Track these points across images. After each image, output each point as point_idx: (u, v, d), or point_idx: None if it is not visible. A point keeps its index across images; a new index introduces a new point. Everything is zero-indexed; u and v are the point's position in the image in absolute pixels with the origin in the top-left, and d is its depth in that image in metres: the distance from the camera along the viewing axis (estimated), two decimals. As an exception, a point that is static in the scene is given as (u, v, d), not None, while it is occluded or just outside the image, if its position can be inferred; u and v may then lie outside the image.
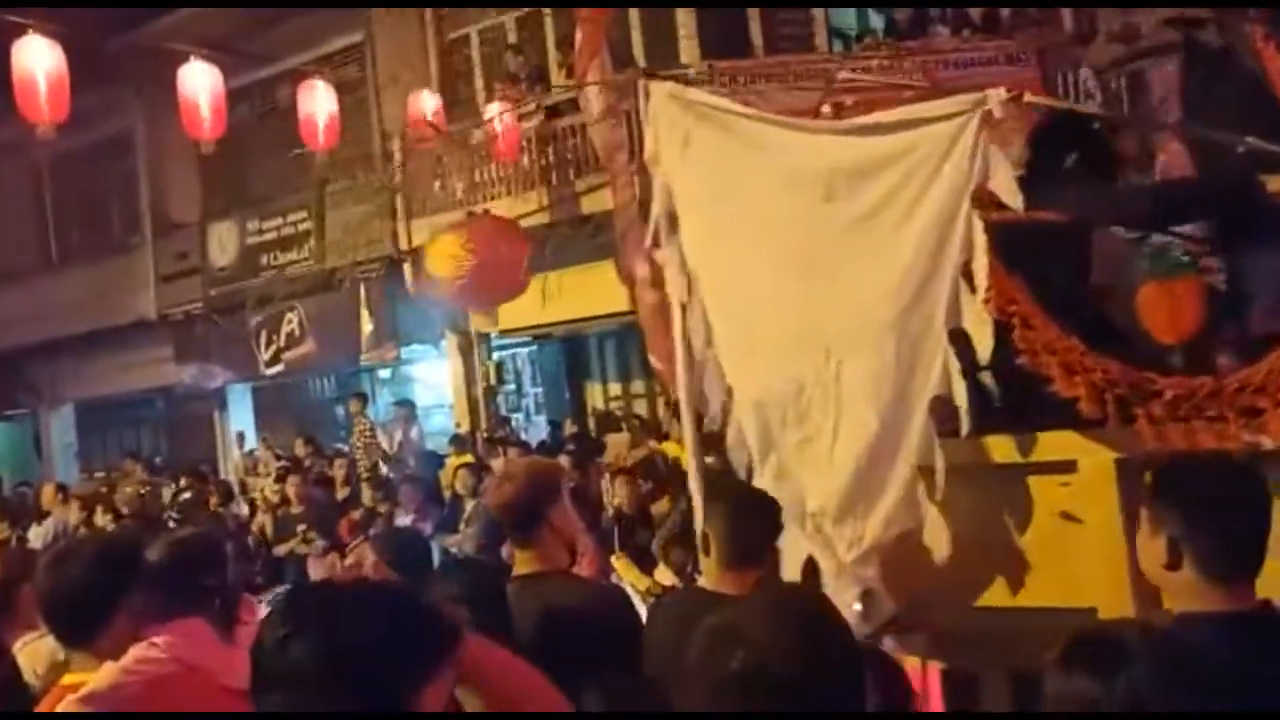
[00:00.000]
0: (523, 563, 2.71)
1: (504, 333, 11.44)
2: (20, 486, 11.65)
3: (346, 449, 11.17)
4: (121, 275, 13.79)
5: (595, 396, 12.05)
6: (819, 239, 2.97)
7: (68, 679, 2.38)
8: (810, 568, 3.08)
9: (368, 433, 10.93)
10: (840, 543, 2.96)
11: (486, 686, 1.54)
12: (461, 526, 7.87)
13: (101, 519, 8.77)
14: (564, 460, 7.97)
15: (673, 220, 3.34)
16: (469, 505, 7.95)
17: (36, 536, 9.19)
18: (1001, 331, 2.68)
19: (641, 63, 9.97)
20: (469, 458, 9.33)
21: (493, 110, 9.62)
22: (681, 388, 3.43)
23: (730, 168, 3.18)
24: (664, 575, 5.75)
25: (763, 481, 3.11)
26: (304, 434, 11.39)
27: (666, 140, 3.30)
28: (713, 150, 3.20)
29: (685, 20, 9.73)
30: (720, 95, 3.65)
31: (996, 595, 2.86)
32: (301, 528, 8.83)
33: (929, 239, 2.76)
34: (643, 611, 5.14)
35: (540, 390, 12.45)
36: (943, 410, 2.78)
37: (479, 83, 11.18)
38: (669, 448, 7.88)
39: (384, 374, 13.67)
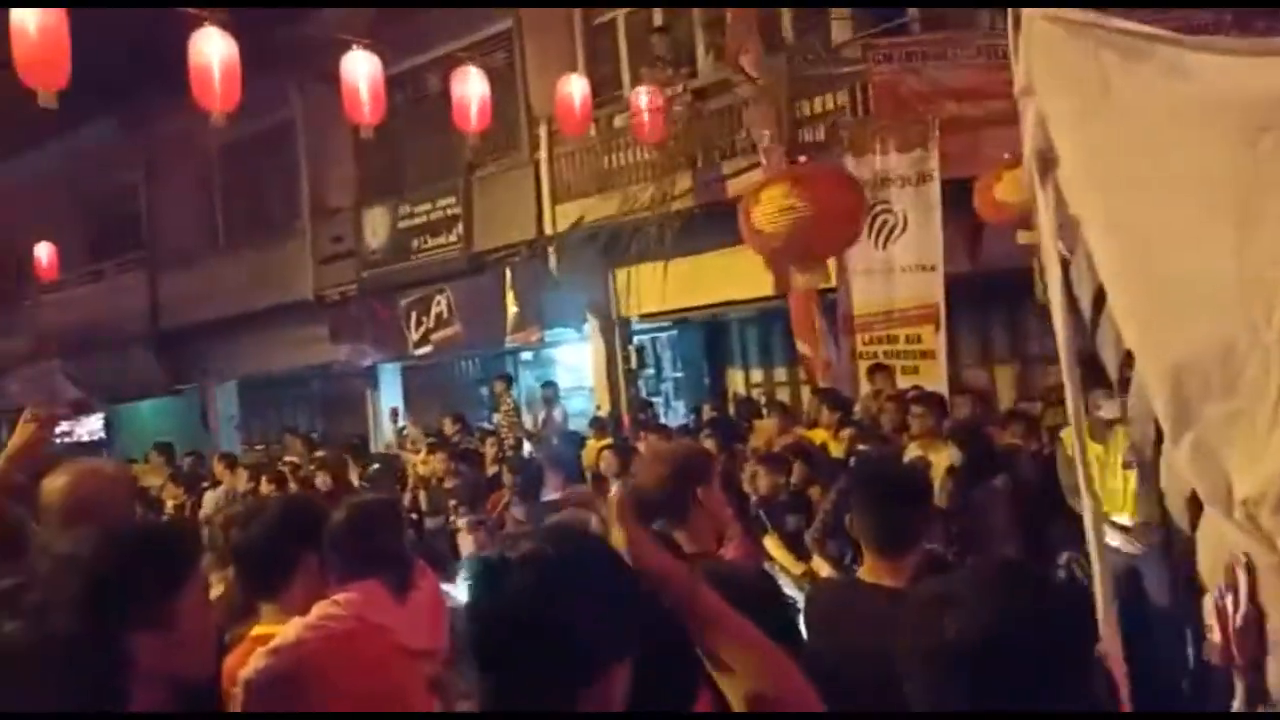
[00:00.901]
0: None
1: (645, 317, 11.48)
2: (188, 456, 12.33)
3: (492, 427, 11.43)
4: (282, 258, 14.41)
5: (736, 382, 11.97)
6: (1258, 176, 2.52)
7: (257, 631, 2.50)
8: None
9: (512, 413, 11.15)
10: None
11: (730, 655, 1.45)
12: (606, 507, 7.93)
13: (266, 487, 9.20)
14: (708, 444, 7.96)
15: (1048, 161, 2.88)
16: (613, 486, 8.00)
17: (209, 503, 9.73)
18: None
19: (790, 41, 9.82)
20: (609, 440, 9.40)
21: (639, 94, 9.64)
22: (1063, 350, 2.98)
23: (1134, 98, 2.73)
24: (820, 566, 5.65)
25: (1177, 461, 2.72)
26: (451, 413, 11.69)
27: (1045, 69, 2.86)
28: (1109, 78, 2.74)
29: (840, -4, 9.51)
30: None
31: None
32: (452, 502, 9.07)
33: None
34: (797, 598, 5.10)
35: (680, 375, 12.46)
36: None
37: (625, 66, 11.18)
38: (816, 434, 7.75)
39: (526, 356, 13.91)
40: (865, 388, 8.51)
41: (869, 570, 2.71)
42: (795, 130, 9.27)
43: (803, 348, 8.94)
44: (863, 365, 8.69)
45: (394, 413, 12.50)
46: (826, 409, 7.55)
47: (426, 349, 12.70)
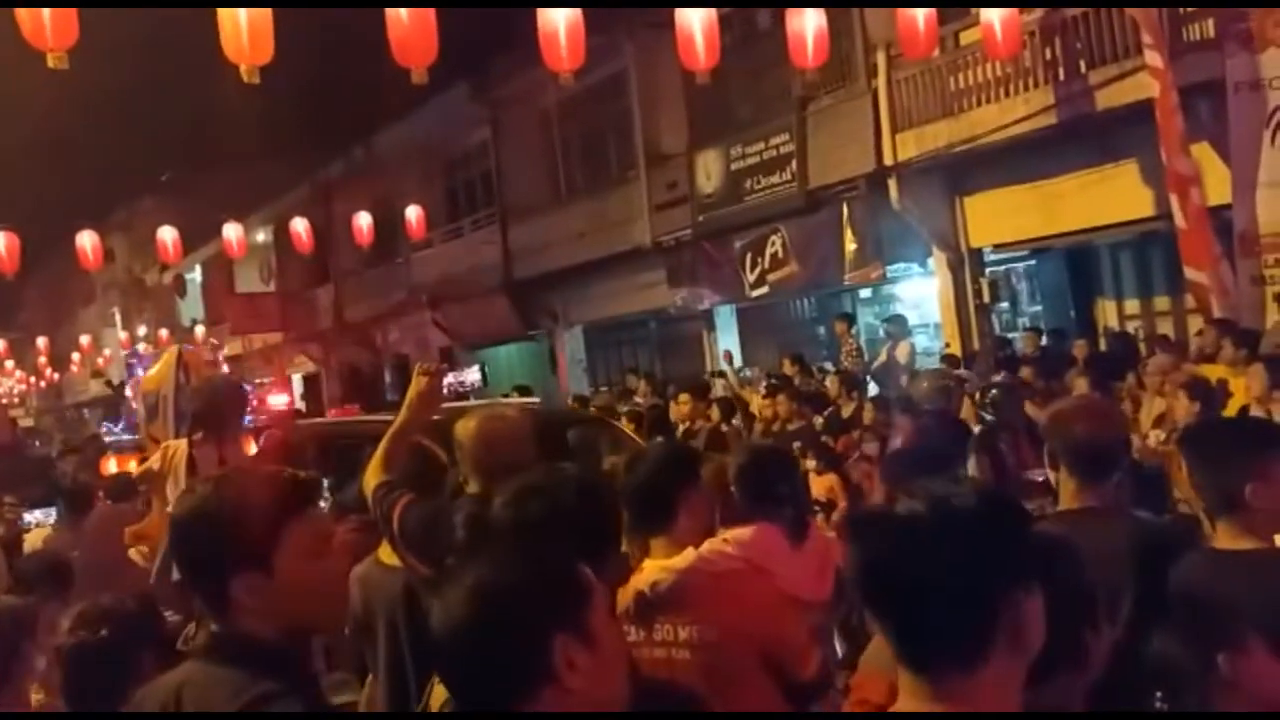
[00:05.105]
0: (1068, 499, 2.60)
1: (998, 247, 10.76)
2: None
3: (830, 368, 11.21)
4: (620, 206, 14.91)
5: (1107, 314, 10.96)
6: None
7: (648, 564, 2.69)
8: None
9: (854, 353, 10.90)
10: None
11: None
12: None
13: (626, 426, 9.59)
14: (1081, 383, 7.34)
15: None
16: (975, 429, 7.58)
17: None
18: None
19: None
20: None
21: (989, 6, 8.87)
22: None
23: None
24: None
25: None
26: (789, 353, 11.61)
27: None
28: None
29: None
30: None
31: None
32: (796, 444, 8.99)
33: None
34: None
35: (1039, 308, 11.59)
36: None
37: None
38: (1212, 371, 6.89)
39: (864, 294, 13.55)
40: (1271, 317, 7.45)
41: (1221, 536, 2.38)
42: (1176, 28, 8.17)
43: (1194, 273, 7.94)
44: (1268, 292, 7.60)
45: (727, 355, 12.57)
46: (1230, 343, 6.67)
47: (762, 290, 12.69)
